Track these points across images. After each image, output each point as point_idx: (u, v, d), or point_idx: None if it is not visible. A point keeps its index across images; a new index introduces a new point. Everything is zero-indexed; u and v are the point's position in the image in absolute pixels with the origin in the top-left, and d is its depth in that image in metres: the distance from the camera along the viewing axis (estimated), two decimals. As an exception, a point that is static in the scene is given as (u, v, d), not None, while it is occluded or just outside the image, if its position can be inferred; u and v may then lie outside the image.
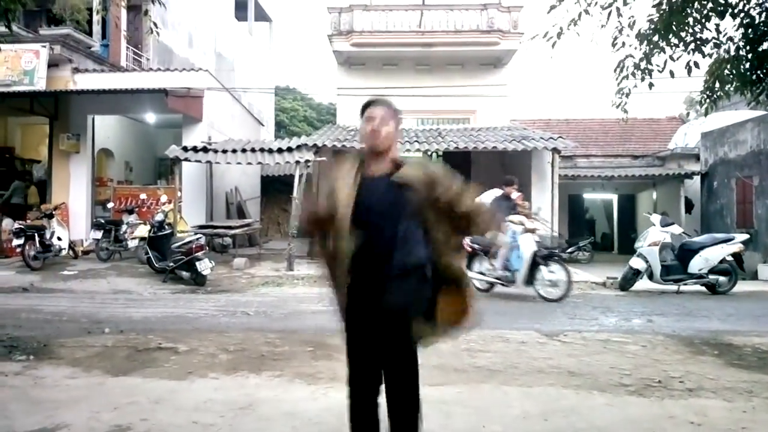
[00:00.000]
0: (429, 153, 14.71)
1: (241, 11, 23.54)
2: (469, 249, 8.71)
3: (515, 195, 9.18)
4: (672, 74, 5.34)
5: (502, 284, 8.76)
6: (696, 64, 5.32)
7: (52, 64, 13.49)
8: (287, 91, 37.60)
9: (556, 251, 9.55)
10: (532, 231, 8.68)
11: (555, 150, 12.80)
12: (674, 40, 5.24)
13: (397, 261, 2.41)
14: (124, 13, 14.72)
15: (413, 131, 14.53)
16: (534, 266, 8.43)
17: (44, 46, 13.36)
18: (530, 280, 8.49)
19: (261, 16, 25.64)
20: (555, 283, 8.38)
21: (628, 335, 6.10)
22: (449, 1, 15.90)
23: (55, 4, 14.62)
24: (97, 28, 16.29)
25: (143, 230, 10.84)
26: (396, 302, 2.40)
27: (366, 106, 2.64)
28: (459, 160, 15.55)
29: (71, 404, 3.67)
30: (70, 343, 5.39)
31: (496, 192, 9.02)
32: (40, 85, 13.17)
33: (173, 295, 8.72)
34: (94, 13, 15.41)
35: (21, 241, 10.39)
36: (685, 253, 9.50)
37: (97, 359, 4.84)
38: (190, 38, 19.47)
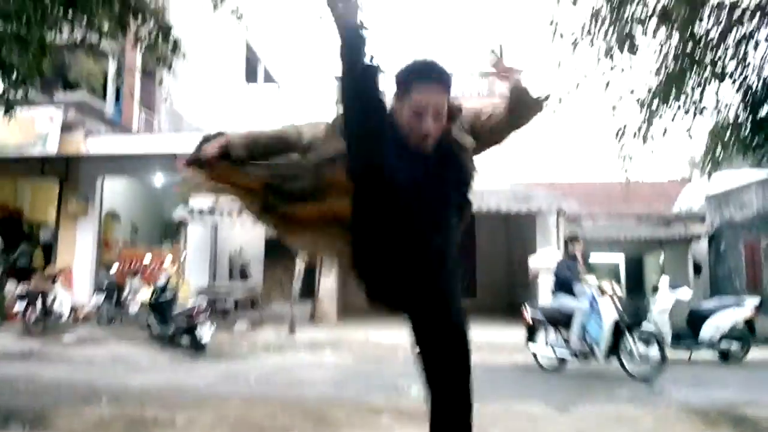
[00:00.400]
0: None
1: (250, 75, 24.37)
2: (530, 321, 8.16)
3: (579, 254, 8.26)
4: (672, 140, 5.44)
5: (578, 359, 7.71)
6: (696, 130, 5.41)
7: (65, 127, 13.78)
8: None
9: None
10: (612, 294, 7.54)
11: (560, 211, 12.82)
12: (673, 106, 5.35)
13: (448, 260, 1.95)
14: (137, 79, 15.16)
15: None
16: (616, 336, 7.41)
17: (58, 111, 13.69)
18: (611, 352, 7.48)
19: (270, 80, 26.51)
20: (645, 358, 7.39)
21: (641, 407, 5.91)
22: (450, 67, 16.41)
23: (71, 70, 15.11)
24: (110, 92, 16.75)
25: (146, 294, 10.78)
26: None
27: (413, 78, 1.87)
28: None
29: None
30: (66, 412, 5.26)
31: (555, 252, 8.53)
32: (53, 148, 13.40)
33: (173, 362, 8.55)
34: (109, 78, 15.89)
35: (23, 306, 10.34)
36: (695, 318, 9.32)
37: (94, 430, 4.70)
38: (201, 102, 19.99)
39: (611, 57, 5.07)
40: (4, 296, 11.79)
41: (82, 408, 5.48)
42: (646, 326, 9.25)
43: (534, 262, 8.27)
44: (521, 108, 1.99)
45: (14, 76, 5.15)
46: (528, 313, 8.28)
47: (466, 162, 1.97)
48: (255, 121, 24.40)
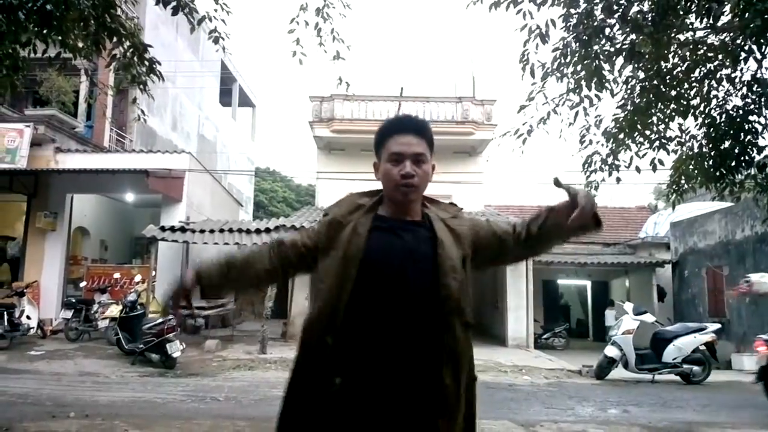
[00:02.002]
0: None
1: (225, 97, 24.42)
2: None
3: None
4: (638, 170, 5.66)
5: None
6: (661, 161, 5.62)
7: (35, 143, 13.63)
8: (267, 173, 38.24)
9: None
10: None
11: (529, 235, 13.11)
12: (639, 138, 5.58)
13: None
14: (110, 99, 15.13)
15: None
16: None
17: (28, 126, 13.54)
18: None
19: (244, 101, 26.58)
20: None
21: (605, 426, 6.08)
22: (426, 93, 16.72)
23: (42, 86, 15.00)
24: (81, 109, 16.65)
25: (115, 310, 10.63)
26: None
27: (388, 132, 1.78)
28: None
29: (31, 494, 3.51)
30: (33, 427, 5.20)
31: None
32: (21, 163, 13.24)
33: (141, 378, 8.45)
34: (81, 95, 15.81)
35: (-11, 319, 10.12)
36: (659, 342, 9.63)
37: (61, 446, 4.66)
38: (175, 122, 19.98)
39: (579, 91, 5.31)
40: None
41: (49, 422, 5.42)
42: (609, 349, 9.55)
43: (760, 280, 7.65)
44: (586, 223, 1.75)
45: (-15, 91, 5.17)
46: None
47: (445, 245, 1.71)
48: (230, 140, 24.46)
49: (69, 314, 11.53)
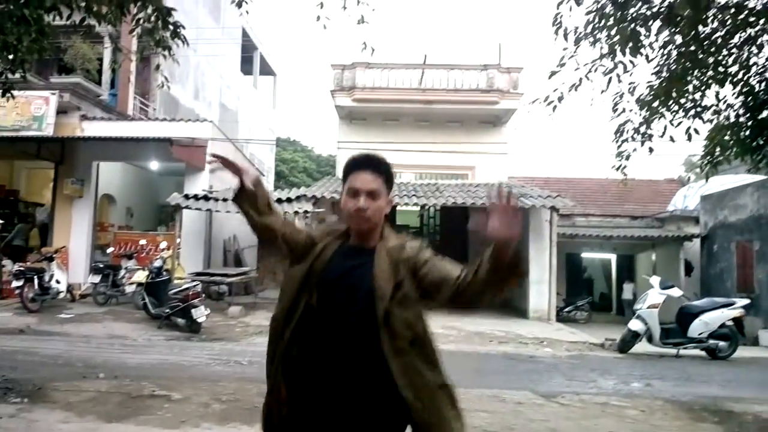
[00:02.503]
0: (426, 207, 14.89)
1: (247, 65, 24.30)
2: None
3: None
4: (672, 139, 5.48)
5: None
6: (696, 131, 5.44)
7: (61, 111, 13.78)
8: (288, 143, 38.28)
9: None
10: None
11: (553, 208, 12.93)
12: (674, 107, 5.39)
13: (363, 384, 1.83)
14: (134, 65, 15.15)
15: (411, 185, 14.74)
16: None
17: (54, 94, 13.67)
18: None
19: (266, 70, 26.44)
20: None
21: (627, 399, 6.02)
22: (450, 60, 16.39)
23: (67, 53, 15.06)
24: (106, 77, 16.73)
25: (141, 276, 10.82)
26: None
27: (350, 169, 2.02)
28: (456, 216, 15.73)
29: (63, 450, 3.62)
30: (64, 387, 5.34)
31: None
32: (48, 131, 13.41)
33: (168, 341, 8.63)
34: (105, 63, 15.86)
35: (20, 283, 10.39)
36: (685, 316, 9.48)
37: (91, 404, 4.79)
38: (197, 90, 19.98)
39: (613, 56, 5.12)
40: (1, 274, 11.80)
41: (80, 382, 5.56)
42: (633, 323, 9.46)
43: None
44: (501, 273, 1.70)
45: (12, 57, 5.17)
46: None
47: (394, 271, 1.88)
48: (251, 109, 24.43)
49: (97, 279, 11.77)
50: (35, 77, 14.98)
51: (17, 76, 5.47)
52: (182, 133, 13.80)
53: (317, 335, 1.89)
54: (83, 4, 4.98)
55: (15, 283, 10.52)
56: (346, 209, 1.98)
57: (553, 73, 5.31)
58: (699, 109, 5.44)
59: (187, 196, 12.82)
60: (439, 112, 16.13)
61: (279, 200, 12.91)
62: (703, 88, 5.40)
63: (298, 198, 12.98)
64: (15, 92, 5.61)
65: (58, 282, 11.38)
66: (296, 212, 12.47)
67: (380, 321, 1.82)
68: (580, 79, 5.40)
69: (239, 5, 5.54)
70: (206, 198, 12.75)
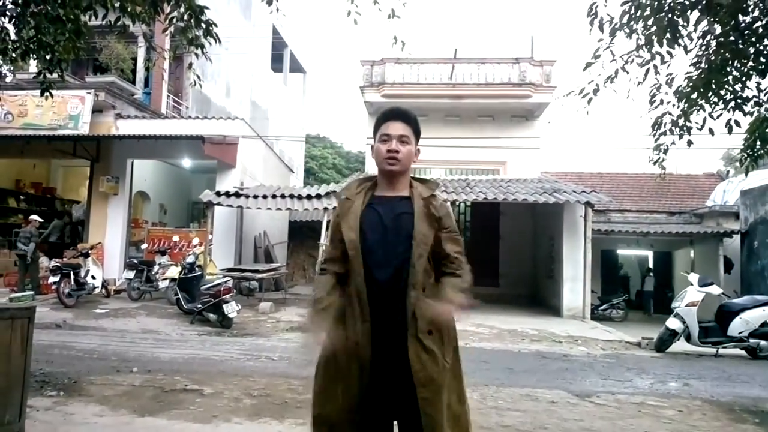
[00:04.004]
0: (457, 203, 14.74)
1: (277, 63, 24.47)
2: None
3: None
4: (711, 132, 5.28)
5: None
6: (736, 123, 5.23)
7: (96, 109, 14.09)
8: (317, 140, 38.47)
9: None
10: None
11: (588, 204, 12.65)
12: (713, 98, 5.19)
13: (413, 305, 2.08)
14: (167, 64, 15.39)
15: (441, 181, 14.62)
16: None
17: (89, 93, 13.98)
18: None
19: (296, 67, 26.59)
20: None
21: (664, 399, 5.84)
22: (481, 54, 16.18)
23: (102, 53, 15.38)
24: (140, 76, 17.05)
25: (174, 271, 11.00)
26: (422, 372, 2.05)
27: (382, 120, 2.26)
28: (487, 212, 15.55)
29: (98, 443, 3.67)
30: (99, 380, 5.44)
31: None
32: (84, 129, 13.72)
33: (200, 336, 8.74)
34: (139, 63, 16.16)
35: (57, 279, 10.67)
36: (725, 314, 9.18)
37: (125, 398, 4.86)
38: (228, 88, 20.21)
39: (650, 47, 4.96)
40: (38, 269, 12.14)
41: (114, 376, 5.66)
42: (671, 321, 9.20)
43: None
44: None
45: (50, 57, 5.27)
46: None
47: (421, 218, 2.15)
48: (281, 106, 24.58)
49: (131, 275, 12.01)
50: (71, 77, 15.35)
51: (55, 76, 5.59)
52: (214, 130, 13.98)
53: (364, 274, 2.12)
54: (118, 4, 5.07)
55: (52, 279, 10.83)
56: (378, 154, 2.21)
57: (588, 65, 5.17)
58: (739, 101, 5.21)
59: (218, 193, 12.98)
60: (469, 106, 15.96)
61: (309, 196, 12.95)
62: (743, 79, 5.18)
63: (327, 194, 13.01)
64: (52, 92, 5.73)
65: (93, 278, 11.67)
66: (325, 208, 12.50)
67: (413, 262, 2.09)
68: (616, 71, 5.24)
69: (269, 3, 5.53)
70: (237, 195, 12.89)
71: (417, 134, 2.26)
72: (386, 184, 2.24)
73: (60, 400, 4.70)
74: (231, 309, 9.29)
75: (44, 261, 12.53)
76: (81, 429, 3.96)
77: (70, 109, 13.86)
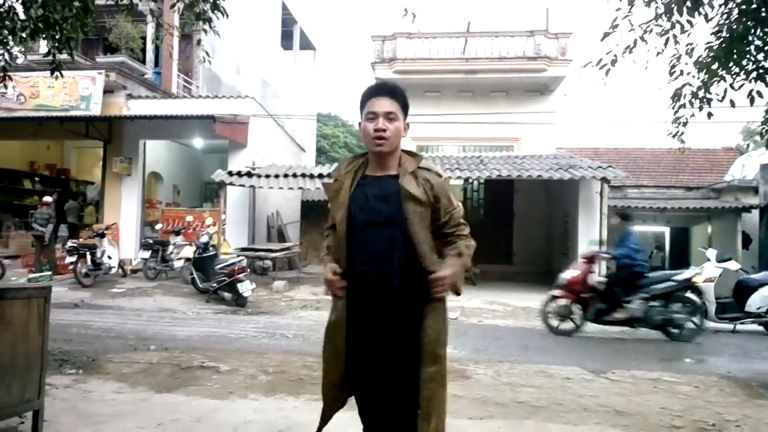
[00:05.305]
0: (470, 181, 14.62)
1: (286, 40, 24.23)
2: None
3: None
4: (732, 104, 5.14)
5: None
6: (759, 94, 5.09)
7: (107, 90, 14.08)
8: (329, 118, 38.25)
9: None
10: None
11: (604, 179, 12.47)
12: (735, 69, 5.04)
13: (396, 279, 2.10)
14: (176, 42, 15.30)
15: (454, 158, 14.49)
16: None
17: (100, 73, 13.97)
18: None
19: (305, 45, 26.31)
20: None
21: (680, 375, 5.79)
22: (494, 27, 15.89)
23: (111, 33, 15.32)
24: (150, 56, 16.98)
25: (189, 251, 11.07)
26: (399, 341, 2.12)
27: (367, 97, 2.20)
28: (501, 189, 15.41)
29: (117, 419, 3.72)
30: (117, 358, 5.50)
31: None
32: (96, 110, 13.74)
33: (215, 315, 8.82)
34: (148, 42, 16.08)
35: (74, 259, 10.80)
36: (743, 290, 9.05)
37: (143, 375, 4.92)
38: (238, 66, 20.08)
39: (669, 15, 4.81)
40: (55, 249, 12.28)
41: (132, 354, 5.73)
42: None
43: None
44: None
45: (58, 36, 5.24)
46: None
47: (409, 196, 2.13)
48: (292, 84, 24.42)
49: (147, 254, 12.12)
50: (82, 57, 15.34)
51: (64, 55, 5.56)
52: (225, 109, 13.93)
53: (353, 250, 2.19)
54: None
55: (69, 259, 10.98)
56: (365, 134, 2.15)
57: (606, 35, 5.04)
58: (762, 71, 5.04)
59: (230, 173, 12.99)
60: (482, 81, 15.73)
61: (320, 175, 12.91)
62: (766, 48, 5.02)
63: (339, 172, 12.95)
64: (63, 72, 5.70)
65: (109, 258, 11.79)
66: (338, 187, 12.44)
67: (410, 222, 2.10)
68: (635, 41, 5.10)
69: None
70: (249, 174, 12.90)
71: (405, 109, 2.20)
72: (376, 163, 2.20)
73: (79, 377, 4.77)
74: (245, 288, 9.34)
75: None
76: (99, 406, 4.01)
77: (81, 90, 13.86)
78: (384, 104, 2.14)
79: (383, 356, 2.14)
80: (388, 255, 2.11)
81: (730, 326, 8.98)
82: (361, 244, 2.15)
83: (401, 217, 2.09)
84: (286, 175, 13.07)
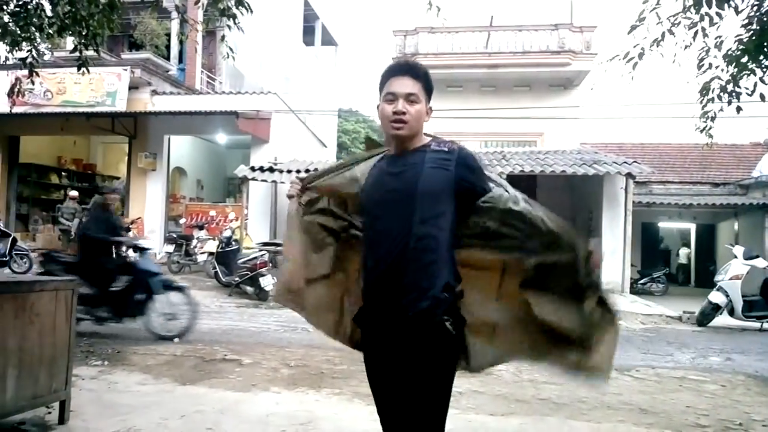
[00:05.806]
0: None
1: (308, 36, 24.29)
2: None
3: None
4: (762, 98, 5.01)
5: None
6: None
7: (132, 86, 14.28)
8: (350, 113, 38.27)
9: None
10: None
11: (629, 175, 12.27)
12: (765, 62, 4.92)
13: (410, 287, 1.82)
14: (200, 38, 15.46)
15: (476, 154, 14.39)
16: None
17: (126, 70, 14.17)
18: None
19: (327, 40, 26.33)
20: None
21: (706, 373, 5.70)
22: (518, 21, 15.73)
23: (137, 29, 15.51)
24: (174, 52, 17.18)
25: (212, 245, 11.20)
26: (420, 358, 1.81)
27: (387, 76, 1.95)
28: (524, 184, 15.25)
29: (142, 410, 3.78)
30: (141, 350, 5.59)
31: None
32: (121, 106, 13.95)
33: (238, 308, 8.91)
34: (173, 39, 16.26)
35: (99, 253, 10.95)
36: (771, 287, 8.88)
37: (167, 367, 4.99)
38: (260, 63, 20.19)
39: (698, 8, 4.71)
40: (80, 243, 12.48)
41: (156, 346, 5.82)
42: (713, 295, 8.93)
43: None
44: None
45: (85, 32, 5.31)
46: None
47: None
48: (313, 80, 24.49)
49: (171, 248, 12.28)
50: (107, 53, 15.59)
51: (91, 51, 5.65)
52: (247, 105, 14.03)
53: (368, 235, 2.00)
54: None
55: (94, 253, 11.12)
56: (383, 116, 1.92)
57: (633, 28, 4.95)
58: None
59: (253, 168, 13.09)
60: (505, 76, 15.58)
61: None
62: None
63: (361, 168, 12.97)
64: (89, 68, 5.79)
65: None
66: (359, 182, 12.46)
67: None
68: (663, 34, 5.00)
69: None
70: (271, 170, 12.98)
71: (429, 91, 1.96)
72: (395, 149, 1.97)
73: (104, 369, 4.85)
74: (267, 282, 9.43)
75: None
76: (125, 397, 4.08)
77: (107, 86, 14.08)
78: (405, 84, 1.90)
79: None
80: (403, 234, 1.96)
81: (757, 324, 8.83)
82: (376, 223, 2.03)
83: (415, 190, 1.94)
84: (307, 170, 13.14)
